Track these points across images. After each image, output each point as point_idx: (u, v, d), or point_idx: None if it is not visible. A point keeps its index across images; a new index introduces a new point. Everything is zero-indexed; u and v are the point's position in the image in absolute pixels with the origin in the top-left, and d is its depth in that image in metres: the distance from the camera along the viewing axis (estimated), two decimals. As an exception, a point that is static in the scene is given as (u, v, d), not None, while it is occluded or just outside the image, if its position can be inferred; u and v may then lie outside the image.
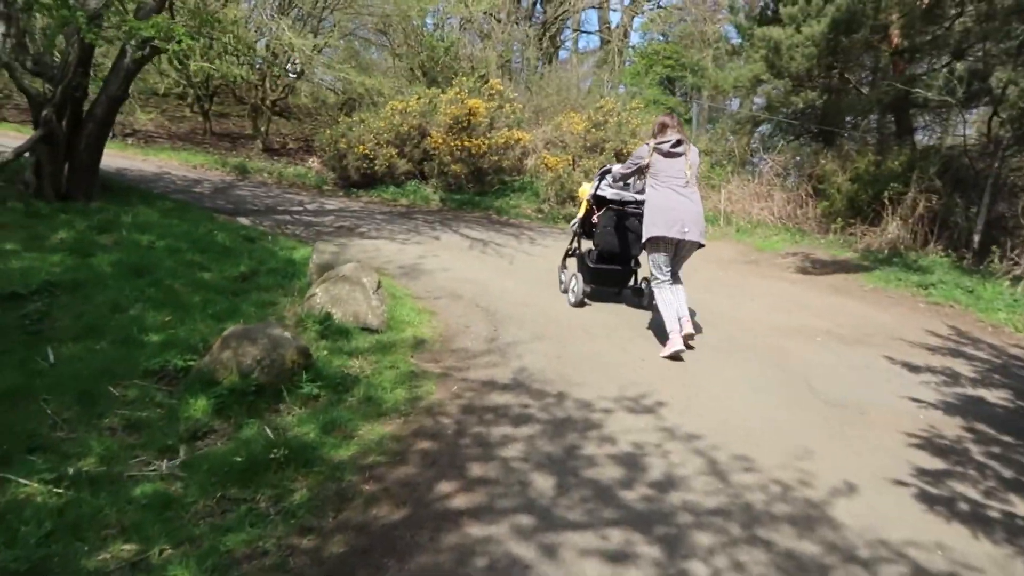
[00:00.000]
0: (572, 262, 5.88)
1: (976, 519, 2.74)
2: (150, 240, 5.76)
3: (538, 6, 20.11)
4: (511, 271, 6.64)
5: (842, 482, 2.92)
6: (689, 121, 14.56)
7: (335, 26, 13.89)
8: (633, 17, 20.31)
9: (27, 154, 6.56)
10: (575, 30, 22.23)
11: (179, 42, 5.12)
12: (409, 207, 10.66)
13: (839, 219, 9.27)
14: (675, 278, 4.64)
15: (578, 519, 2.52)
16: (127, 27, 5.47)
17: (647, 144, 4.68)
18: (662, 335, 4.56)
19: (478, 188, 11.35)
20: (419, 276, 6.21)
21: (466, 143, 10.73)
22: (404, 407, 3.40)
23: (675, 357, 4.31)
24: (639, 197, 5.31)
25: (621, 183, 5.30)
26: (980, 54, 9.01)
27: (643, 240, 4.61)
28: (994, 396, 4.18)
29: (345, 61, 14.80)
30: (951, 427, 3.62)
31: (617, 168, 5.20)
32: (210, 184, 10.28)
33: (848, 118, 11.01)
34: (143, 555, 2.22)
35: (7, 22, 5.97)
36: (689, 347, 4.50)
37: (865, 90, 10.28)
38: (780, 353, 4.62)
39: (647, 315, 5.23)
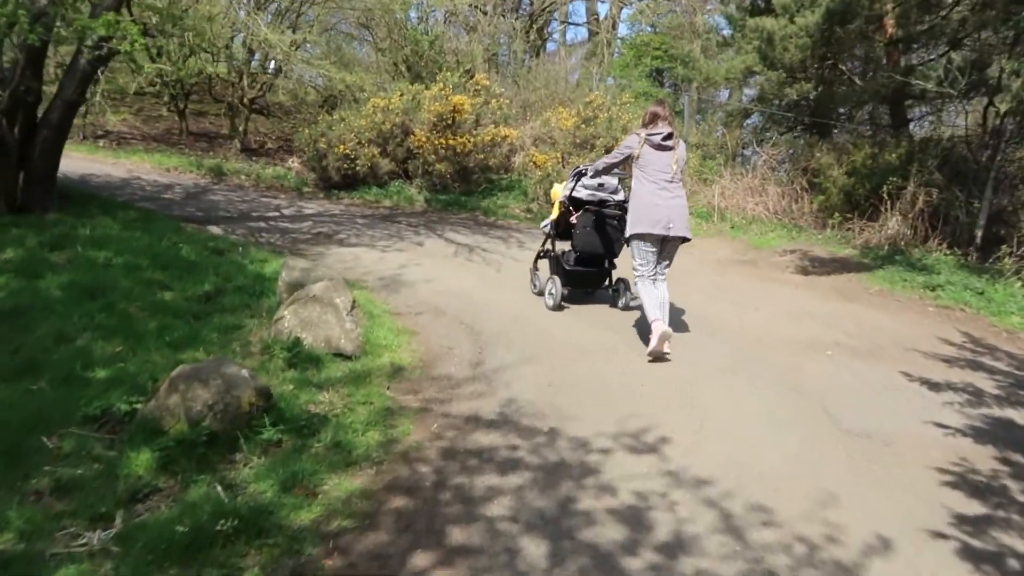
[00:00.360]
0: (544, 263, 5.75)
1: (1028, 579, 2.41)
2: (107, 257, 5.33)
3: (524, -3, 19.64)
4: (498, 280, 6.26)
5: (875, 536, 2.57)
6: (679, 113, 14.22)
7: (314, 21, 13.39)
8: (621, 8, 19.88)
9: (-25, 164, 6.10)
10: (563, 22, 21.80)
11: (133, 42, 4.68)
12: (392, 209, 10.24)
13: (836, 214, 8.96)
14: (660, 279, 4.55)
15: (576, 599, 2.16)
16: (77, 26, 5.01)
17: (637, 134, 4.52)
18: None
19: (464, 188, 10.93)
20: (400, 288, 5.82)
21: (450, 141, 10.30)
22: (377, 453, 3.02)
23: (659, 358, 4.26)
24: (615, 198, 5.35)
25: (596, 183, 5.27)
26: (977, 44, 8.73)
27: (627, 236, 4.56)
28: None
29: (326, 57, 14.32)
30: (983, 458, 3.29)
31: (601, 160, 5.06)
32: (182, 189, 9.80)
33: (842, 110, 10.70)
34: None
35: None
36: (666, 355, 4.29)
37: (860, 81, 9.96)
38: (792, 372, 4.27)
39: (645, 334, 4.85)
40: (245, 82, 13.25)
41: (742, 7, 10.98)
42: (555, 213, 5.43)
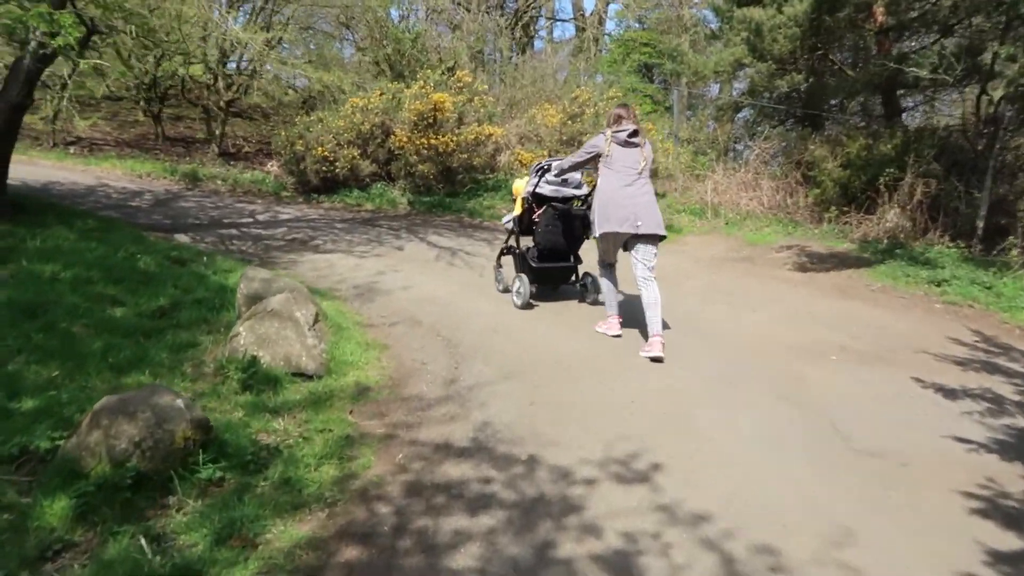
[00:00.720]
0: (508, 260, 5.61)
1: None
2: (54, 271, 4.93)
3: (509, -7, 19.26)
4: (480, 286, 5.90)
5: (899, 582, 2.23)
6: (669, 109, 13.90)
7: (289, 19, 12.99)
8: (608, 3, 19.56)
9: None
10: (549, 18, 21.45)
11: (69, 35, 4.28)
12: (374, 212, 9.86)
13: (832, 207, 8.66)
14: (649, 280, 4.37)
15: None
16: (8, 19, 4.62)
17: (603, 134, 4.53)
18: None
19: (449, 189, 10.56)
20: (375, 297, 5.45)
21: (433, 141, 9.93)
22: (331, 492, 2.66)
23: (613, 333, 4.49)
24: (578, 192, 5.30)
25: (559, 180, 5.21)
26: (968, 30, 8.43)
27: (595, 235, 4.49)
28: (1048, 426, 3.53)
29: (306, 57, 13.91)
30: (1013, 479, 2.95)
31: (568, 159, 4.98)
32: (151, 196, 9.38)
33: (833, 101, 10.41)
34: None
35: None
36: (659, 359, 4.14)
37: (851, 72, 9.66)
38: (795, 382, 3.92)
39: (635, 343, 4.50)
40: (221, 84, 12.83)
41: (729, -2, 10.67)
42: (518, 209, 5.35)
